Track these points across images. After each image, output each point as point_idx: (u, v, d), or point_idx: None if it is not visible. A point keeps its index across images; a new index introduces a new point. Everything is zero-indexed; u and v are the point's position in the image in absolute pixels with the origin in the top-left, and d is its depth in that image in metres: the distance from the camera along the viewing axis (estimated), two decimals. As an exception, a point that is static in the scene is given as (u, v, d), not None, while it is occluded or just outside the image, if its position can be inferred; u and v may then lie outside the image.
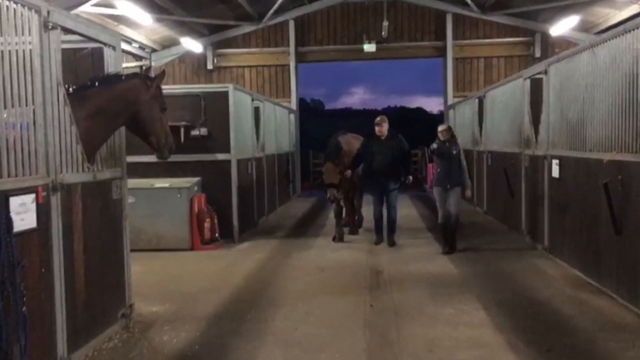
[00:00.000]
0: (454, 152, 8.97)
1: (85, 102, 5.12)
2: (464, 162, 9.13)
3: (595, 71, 6.59)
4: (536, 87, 9.19)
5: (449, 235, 8.99)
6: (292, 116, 18.71)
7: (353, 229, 10.82)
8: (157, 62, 19.69)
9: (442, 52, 19.50)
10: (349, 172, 9.77)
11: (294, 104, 19.50)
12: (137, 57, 19.18)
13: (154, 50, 19.66)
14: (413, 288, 6.97)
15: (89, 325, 4.95)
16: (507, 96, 11.06)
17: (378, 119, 9.71)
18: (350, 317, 5.89)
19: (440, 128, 9.30)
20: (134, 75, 5.72)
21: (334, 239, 10.20)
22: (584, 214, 7.01)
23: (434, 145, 9.03)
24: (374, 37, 19.04)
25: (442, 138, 9.07)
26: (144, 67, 19.36)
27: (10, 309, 3.78)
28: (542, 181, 8.52)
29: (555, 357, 4.77)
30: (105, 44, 5.49)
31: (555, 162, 7.94)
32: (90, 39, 5.32)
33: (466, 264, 8.22)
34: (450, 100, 19.06)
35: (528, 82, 9.46)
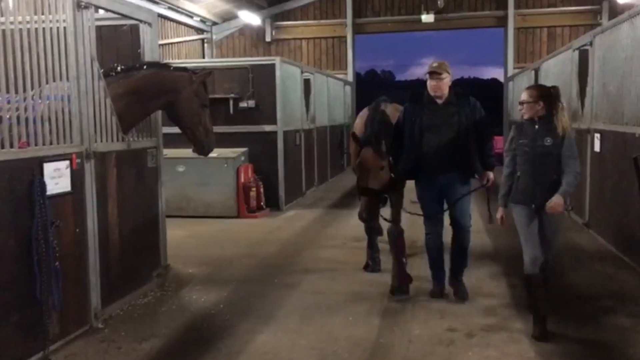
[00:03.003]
0: (548, 142, 4.56)
1: (127, 81, 5.51)
2: (573, 159, 4.61)
3: (633, 43, 6.38)
4: (585, 59, 8.93)
5: (541, 300, 4.71)
6: (347, 88, 18.80)
7: (404, 279, 5.71)
8: (217, 35, 20.20)
9: (503, 22, 18.96)
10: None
11: (350, 76, 19.56)
12: (198, 31, 19.73)
13: (214, 24, 20.13)
14: None
15: (123, 282, 5.40)
16: (559, 68, 10.76)
17: (434, 64, 5.35)
18: (374, 286, 6.06)
19: (523, 95, 4.76)
20: (182, 68, 6.02)
21: (365, 268, 6.55)
22: (619, 189, 6.88)
23: (512, 133, 4.86)
24: (432, 7, 18.74)
25: (526, 114, 4.70)
26: (205, 40, 19.95)
27: (45, 264, 4.22)
28: (585, 155, 8.35)
29: (564, 328, 4.81)
30: (141, 21, 5.84)
31: (597, 135, 7.76)
32: (126, 17, 5.68)
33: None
34: (511, 72, 18.59)
35: (577, 53, 9.19)
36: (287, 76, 11.30)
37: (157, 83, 5.65)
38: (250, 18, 18.82)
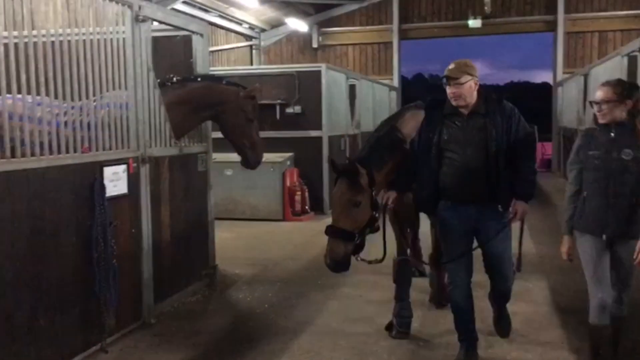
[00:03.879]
0: (627, 155, 3.63)
1: (181, 91, 5.80)
2: None
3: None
4: (635, 65, 8.80)
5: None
6: (392, 93, 18.86)
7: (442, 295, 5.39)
8: (265, 41, 20.57)
9: (552, 27, 18.68)
10: (389, 194, 4.47)
11: (395, 81, 19.63)
12: (247, 37, 20.15)
13: (262, 30, 20.52)
14: None
15: (174, 280, 5.67)
16: (608, 74, 10.58)
17: (451, 65, 4.24)
18: (416, 290, 6.12)
19: (602, 93, 3.74)
20: (232, 83, 6.25)
21: (388, 330, 4.95)
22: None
23: (579, 142, 3.93)
24: (479, 12, 18.64)
25: (603, 118, 3.75)
26: (253, 46, 20.36)
27: (103, 261, 4.50)
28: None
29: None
30: (193, 32, 6.12)
31: None
32: (179, 29, 5.97)
33: None
34: (560, 77, 18.30)
35: (626, 59, 9.06)
36: (333, 82, 11.49)
37: (207, 95, 5.91)
38: (297, 25, 19.13)
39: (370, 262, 4.37)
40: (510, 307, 4.78)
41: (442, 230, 4.37)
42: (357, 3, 19.73)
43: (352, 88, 13.24)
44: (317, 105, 10.84)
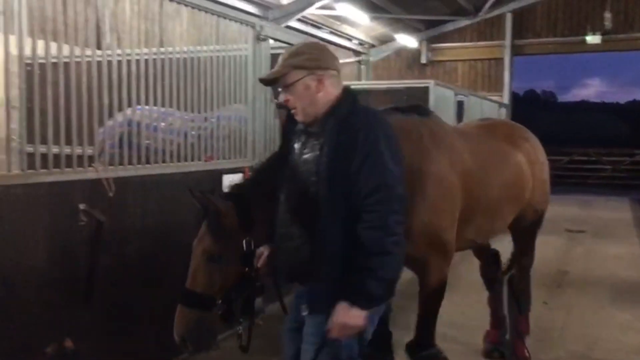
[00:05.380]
0: None
1: None
2: None
3: None
4: None
5: None
6: (502, 110, 18.42)
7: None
8: (374, 57, 20.83)
9: (682, 43, 17.54)
10: (263, 249, 2.85)
11: (505, 98, 19.18)
12: (356, 53, 20.51)
13: (372, 46, 20.80)
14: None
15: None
16: None
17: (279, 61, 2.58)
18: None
19: None
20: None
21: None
22: None
23: None
24: (598, 28, 17.84)
25: None
26: (361, 62, 20.69)
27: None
28: None
29: None
30: (308, 49, 6.41)
31: None
32: (296, 45, 6.29)
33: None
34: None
35: None
36: (441, 98, 11.46)
37: None
38: (406, 41, 19.24)
39: None
40: None
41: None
42: (468, 19, 19.53)
43: (459, 104, 13.13)
44: (424, 121, 10.85)
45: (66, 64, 3.70)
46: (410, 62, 20.68)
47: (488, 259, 4.95)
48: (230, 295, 2.83)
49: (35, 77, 3.47)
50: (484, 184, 3.73)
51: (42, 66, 3.63)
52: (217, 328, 2.89)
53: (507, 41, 19.12)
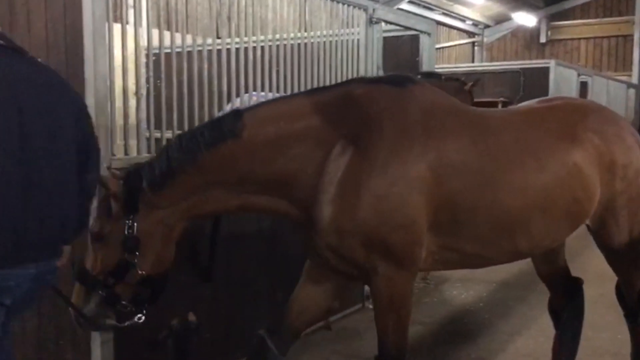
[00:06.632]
0: None
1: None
2: None
3: None
4: None
5: None
6: (631, 91, 17.11)
7: None
8: (488, 37, 20.10)
9: None
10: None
11: (635, 78, 17.80)
12: (470, 34, 19.88)
13: (486, 27, 20.07)
14: None
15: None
16: None
17: None
18: None
19: None
20: (452, 79, 6.44)
21: None
22: None
23: None
24: None
25: None
26: (475, 43, 20.04)
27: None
28: None
29: None
30: (420, 32, 6.30)
31: None
32: (408, 28, 6.19)
33: None
34: None
35: None
36: (562, 79, 10.85)
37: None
38: (525, 19, 18.37)
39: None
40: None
41: None
42: (593, -7, 18.31)
43: (583, 85, 12.35)
44: (543, 103, 10.34)
45: (189, 54, 3.87)
46: (527, 41, 19.75)
47: (559, 286, 4.00)
48: (107, 281, 2.70)
49: (161, 66, 3.66)
50: (491, 186, 2.94)
51: (168, 56, 3.83)
52: (105, 309, 2.75)
53: (638, 17, 17.69)
